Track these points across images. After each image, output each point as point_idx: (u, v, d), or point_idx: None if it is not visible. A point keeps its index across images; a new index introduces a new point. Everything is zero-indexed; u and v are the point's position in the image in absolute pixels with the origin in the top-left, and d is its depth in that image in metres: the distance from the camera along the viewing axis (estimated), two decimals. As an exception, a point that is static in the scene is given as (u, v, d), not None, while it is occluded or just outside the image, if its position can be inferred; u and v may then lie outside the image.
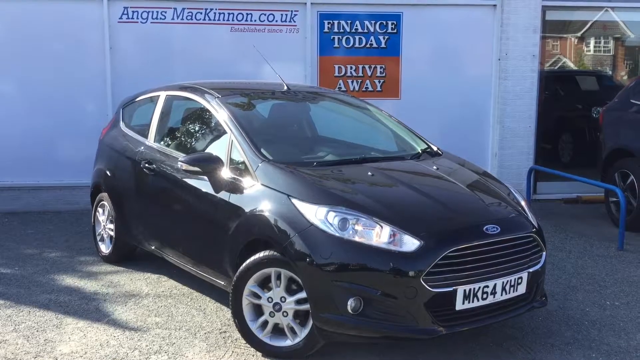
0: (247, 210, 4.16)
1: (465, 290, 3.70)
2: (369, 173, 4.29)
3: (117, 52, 8.10)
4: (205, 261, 4.61)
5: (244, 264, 4.04)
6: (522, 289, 3.97)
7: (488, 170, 8.93)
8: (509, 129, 8.85)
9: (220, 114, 4.74)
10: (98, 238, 6.12)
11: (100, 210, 6.04)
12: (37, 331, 4.42)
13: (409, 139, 5.21)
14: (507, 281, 3.86)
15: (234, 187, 4.31)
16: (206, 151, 4.73)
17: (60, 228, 7.31)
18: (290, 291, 3.92)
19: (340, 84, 8.60)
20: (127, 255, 5.89)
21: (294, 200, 3.93)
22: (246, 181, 4.27)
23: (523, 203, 4.40)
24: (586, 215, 8.09)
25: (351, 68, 8.62)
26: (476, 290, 3.74)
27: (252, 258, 4.01)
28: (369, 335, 3.69)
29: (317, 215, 3.80)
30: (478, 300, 3.76)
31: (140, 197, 5.37)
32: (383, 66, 8.66)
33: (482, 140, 8.97)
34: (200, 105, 5.01)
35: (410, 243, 3.67)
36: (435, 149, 5.09)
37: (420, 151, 4.95)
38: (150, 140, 5.41)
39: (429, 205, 3.99)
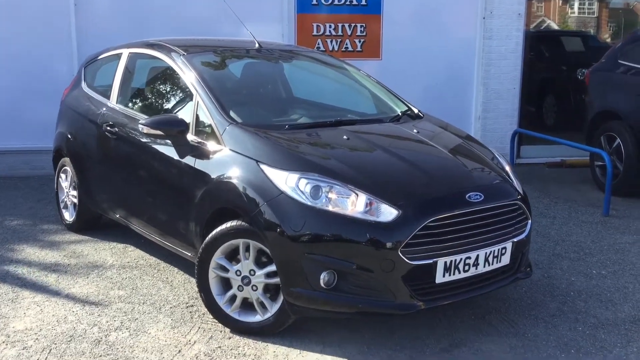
0: (213, 177, 3.86)
1: (446, 262, 3.46)
2: (345, 137, 4.00)
3: (83, 9, 7.65)
4: (171, 231, 4.32)
5: (210, 235, 3.76)
6: (505, 259, 3.74)
7: (471, 134, 8.72)
8: (493, 91, 8.58)
9: (186, 73, 4.40)
10: (61, 205, 5.80)
11: (62, 176, 5.71)
12: (-10, 306, 4.13)
13: (389, 100, 4.91)
14: (491, 252, 3.63)
15: (200, 152, 4.01)
16: (171, 113, 4.41)
17: (25, 194, 6.97)
18: (259, 264, 3.66)
19: (318, 43, 8.24)
20: (92, 223, 5.58)
21: (263, 166, 3.63)
22: (213, 146, 3.97)
23: (508, 168, 4.14)
24: (570, 179, 7.89)
25: (330, 27, 8.25)
26: (457, 262, 3.50)
27: (219, 228, 3.73)
28: (343, 310, 3.45)
29: (288, 182, 3.52)
30: (459, 272, 3.53)
31: (102, 162, 5.05)
32: (363, 25, 8.30)
33: (466, 102, 8.71)
34: (165, 63, 4.66)
35: (388, 213, 3.41)
36: (416, 111, 4.81)
37: (400, 113, 4.66)
38: (113, 102, 5.06)
39: (408, 171, 3.72)
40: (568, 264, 5.00)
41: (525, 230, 3.87)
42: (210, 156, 3.94)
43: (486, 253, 3.60)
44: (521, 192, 3.97)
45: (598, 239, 5.61)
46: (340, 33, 8.29)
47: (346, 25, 8.27)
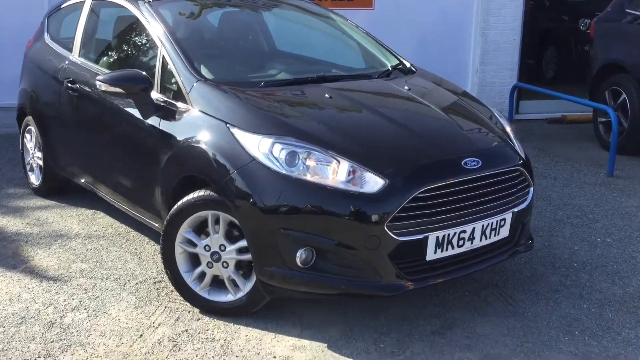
0: (179, 140, 3.45)
1: (438, 237, 3.08)
2: (327, 95, 3.57)
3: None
4: (137, 200, 3.93)
5: (176, 206, 3.37)
6: (505, 232, 3.36)
7: (468, 89, 8.26)
8: (492, 43, 8.10)
9: (151, 24, 3.93)
10: (27, 168, 5.39)
11: (27, 136, 5.28)
12: (-62, 283, 3.76)
13: (379, 53, 4.46)
14: (488, 224, 3.25)
15: (165, 113, 3.59)
16: (133, 68, 3.95)
17: (-7, 154, 6.54)
18: (231, 238, 3.28)
19: (306, -8, 7.69)
20: (60, 187, 5.17)
21: (234, 130, 3.22)
22: (179, 105, 3.54)
23: (508, 129, 3.73)
24: (572, 136, 7.49)
25: (318, -27, 7.68)
26: (451, 236, 3.12)
27: (185, 199, 3.34)
28: (323, 292, 3.09)
29: (260, 147, 3.11)
30: (453, 248, 3.15)
31: (65, 122, 4.62)
32: (354, -29, 7.75)
33: (463, 55, 8.23)
34: (130, 12, 4.18)
35: (373, 182, 3.01)
36: (408, 65, 4.36)
37: (390, 68, 4.21)
38: (75, 55, 4.60)
39: (397, 134, 3.31)
40: (570, 230, 4.64)
41: (527, 199, 3.49)
42: (176, 117, 3.52)
43: (483, 226, 3.23)
44: (523, 156, 3.57)
45: (602, 202, 5.24)
46: (329, -20, 7.73)
47: (336, -29, 7.72)
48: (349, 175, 3.03)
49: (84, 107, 4.32)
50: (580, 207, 5.13)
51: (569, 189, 5.56)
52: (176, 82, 3.60)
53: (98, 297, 3.60)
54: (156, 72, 3.72)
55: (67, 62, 4.61)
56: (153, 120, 3.63)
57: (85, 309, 3.48)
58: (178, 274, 3.41)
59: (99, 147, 4.26)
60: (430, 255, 3.09)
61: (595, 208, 5.10)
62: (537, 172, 5.99)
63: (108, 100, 3.99)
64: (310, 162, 3.06)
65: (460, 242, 3.17)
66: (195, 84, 3.49)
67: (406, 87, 3.84)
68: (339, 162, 3.05)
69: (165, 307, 3.49)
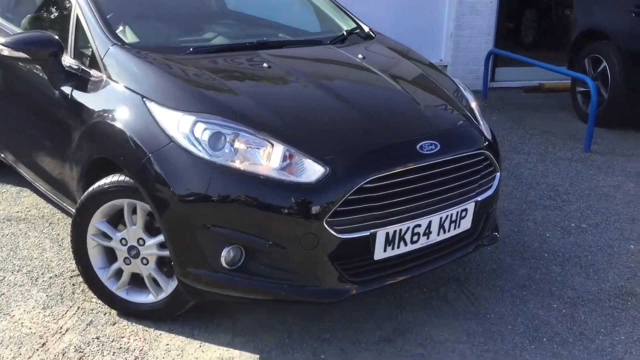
0: (90, 115, 2.96)
1: (387, 234, 2.65)
2: (265, 65, 3.08)
3: None
4: (52, 181, 3.45)
5: (86, 193, 2.89)
6: (466, 223, 2.95)
7: (442, 55, 7.79)
8: (468, 5, 7.58)
9: (66, -24, 3.40)
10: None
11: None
12: None
13: (334, 16, 3.96)
14: (447, 216, 2.82)
15: (78, 82, 3.09)
16: (49, 29, 3.42)
17: None
18: (151, 231, 2.83)
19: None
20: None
21: (151, 104, 2.73)
22: (93, 73, 3.04)
23: (474, 105, 3.29)
24: (549, 106, 7.07)
25: None
26: (403, 232, 2.69)
27: (97, 184, 2.86)
28: (254, 297, 2.65)
29: (180, 127, 2.63)
30: (406, 244, 2.73)
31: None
32: None
33: (436, 18, 7.72)
34: (44, -37, 3.64)
35: (311, 170, 2.56)
36: (366, 30, 3.87)
37: (345, 33, 3.72)
38: (-10, 14, 4.04)
39: (342, 113, 2.84)
40: (543, 214, 4.25)
41: (492, 186, 3.06)
42: (89, 87, 3.02)
43: (441, 218, 2.80)
44: (489, 137, 3.14)
45: (578, 181, 4.85)
46: None
47: None
48: (283, 160, 2.57)
49: (-3, 73, 3.79)
50: (554, 186, 4.73)
51: (543, 166, 5.16)
52: (90, 47, 3.08)
53: (3, 294, 3.14)
54: (70, 34, 3.21)
55: (-20, 22, 4.05)
56: (64, 91, 3.13)
57: (-15, 309, 3.02)
58: (91, 271, 2.96)
59: (14, 120, 3.75)
60: (379, 254, 2.67)
61: (570, 188, 4.71)
62: (510, 145, 5.59)
63: (18, 66, 3.46)
64: (239, 145, 2.59)
65: (415, 238, 2.75)
66: (110, 49, 2.99)
67: (360, 56, 3.36)
68: (272, 145, 2.59)
69: (79, 307, 3.05)
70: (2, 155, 4.12)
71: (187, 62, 3.00)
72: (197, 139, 2.59)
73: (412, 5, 7.54)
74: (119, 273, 2.94)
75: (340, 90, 2.98)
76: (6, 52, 3.14)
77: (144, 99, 2.75)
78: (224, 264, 2.58)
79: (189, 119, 2.63)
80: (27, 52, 3.10)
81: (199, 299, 2.76)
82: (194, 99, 2.73)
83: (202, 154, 2.57)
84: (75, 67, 3.13)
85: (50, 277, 3.30)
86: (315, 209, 2.51)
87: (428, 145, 2.75)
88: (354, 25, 3.86)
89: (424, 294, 3.24)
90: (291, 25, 4.00)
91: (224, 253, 2.56)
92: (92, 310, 3.02)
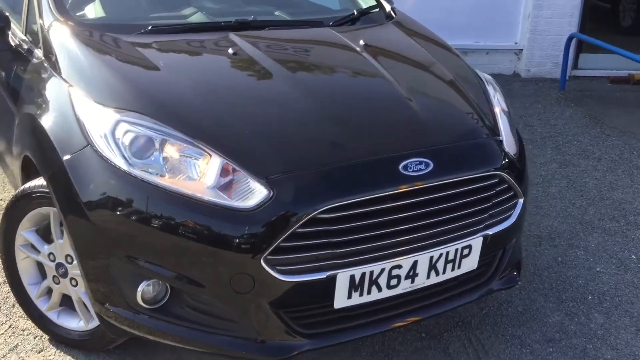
0: (23, 103, 2.51)
1: (353, 276, 2.05)
2: (230, 51, 2.51)
3: None
4: (7, 172, 3.04)
5: (12, 195, 2.46)
6: (470, 263, 2.30)
7: (517, 38, 6.94)
8: (548, -19, 6.69)
9: None
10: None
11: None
12: None
13: (353, -10, 3.32)
14: (442, 254, 2.19)
15: (22, 62, 2.65)
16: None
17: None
18: (81, 246, 2.35)
19: None
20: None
21: (75, 96, 2.24)
22: (35, 54, 2.59)
23: (497, 111, 2.58)
24: (636, 102, 6.11)
25: None
26: (376, 274, 2.09)
27: (21, 187, 2.42)
28: (178, 344, 2.13)
29: (101, 126, 2.12)
30: (380, 290, 2.13)
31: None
32: None
33: (512, -3, 6.88)
34: None
35: (252, 192, 1.99)
36: (387, 9, 3.21)
37: (355, 12, 3.07)
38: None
39: (308, 117, 2.23)
40: (599, 239, 3.49)
41: (512, 216, 2.39)
42: (28, 69, 2.58)
43: (432, 257, 2.17)
44: (513, 153, 2.44)
45: (654, 199, 4.02)
46: None
47: None
48: (219, 176, 2.01)
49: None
50: (621, 203, 3.93)
51: (613, 176, 4.34)
52: (37, 22, 2.62)
53: (-63, 301, 2.78)
54: (23, 5, 2.76)
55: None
56: (9, 72, 2.69)
57: None
58: (21, 286, 2.54)
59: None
60: (341, 301, 2.08)
61: (642, 207, 3.90)
62: (579, 148, 4.77)
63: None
64: (171, 152, 2.06)
65: (393, 282, 2.14)
66: (52, 24, 2.51)
67: (362, 42, 2.72)
68: (210, 156, 2.04)
69: (11, 325, 2.64)
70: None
71: (134, 44, 2.48)
72: (117, 143, 2.07)
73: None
74: (50, 292, 2.50)
75: (315, 88, 2.38)
76: (-55, 26, 2.72)
77: (70, 89, 2.26)
78: (141, 302, 2.07)
79: (111, 117, 2.11)
80: (-35, 25, 2.67)
81: (125, 337, 2.27)
82: (123, 92, 2.21)
83: (121, 163, 2.05)
84: (24, 45, 2.69)
85: (-4, 284, 2.91)
86: (250, 243, 1.94)
87: (416, 164, 2.12)
88: (372, 3, 3.21)
89: (420, 341, 2.62)
90: (307, 1, 3.41)
91: (141, 288, 2.05)
92: (24, 331, 2.60)
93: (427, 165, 2.13)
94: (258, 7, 3.23)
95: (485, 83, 2.75)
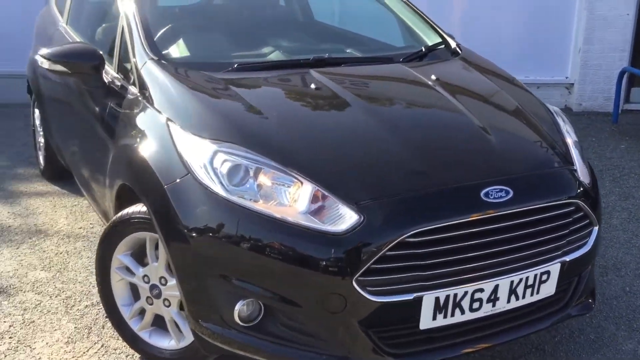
0: (121, 135, 2.69)
1: (438, 299, 2.15)
2: (313, 86, 2.67)
3: None
4: (95, 199, 3.24)
5: (110, 221, 2.63)
6: (548, 289, 2.38)
7: (568, 72, 7.01)
8: (600, 17, 6.76)
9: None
10: (37, 146, 4.87)
11: (36, 111, 4.74)
12: None
13: (418, 29, 3.47)
14: (522, 279, 2.28)
15: (116, 98, 2.85)
16: (101, 39, 3.23)
17: (25, 127, 6.07)
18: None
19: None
20: (63, 171, 4.58)
21: (173, 128, 2.42)
22: (130, 90, 2.79)
23: (570, 142, 2.67)
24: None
25: None
26: (459, 297, 2.18)
27: (120, 213, 2.59)
28: (271, 361, 2.24)
29: (199, 156, 2.28)
30: (463, 312, 2.21)
31: (52, 97, 4.02)
32: None
33: (563, 31, 6.95)
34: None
35: (343, 217, 2.12)
36: (453, 45, 3.36)
37: (423, 49, 3.22)
38: (64, 21, 3.95)
39: (391, 147, 2.36)
40: (667, 270, 3.50)
41: (587, 243, 2.46)
42: (124, 105, 2.77)
43: (513, 282, 2.26)
44: (587, 182, 2.53)
45: None
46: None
47: None
48: (311, 203, 2.14)
49: (59, 83, 3.67)
50: (686, 235, 3.93)
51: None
52: (131, 61, 2.83)
53: (33, 322, 2.95)
54: (116, 47, 2.98)
55: (56, 29, 3.97)
56: (103, 107, 2.90)
57: (10, 337, 2.84)
58: (114, 307, 2.69)
59: (67, 128, 3.64)
60: (427, 322, 2.18)
61: None
62: (639, 180, 4.77)
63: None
64: (264, 180, 2.20)
65: (475, 305, 2.22)
66: (146, 63, 2.71)
67: (433, 77, 2.85)
68: (301, 183, 2.17)
69: (103, 345, 2.79)
70: (63, 162, 4.04)
71: (225, 80, 2.66)
72: (215, 172, 2.23)
73: (535, 17, 6.84)
74: (142, 312, 2.65)
75: (395, 120, 2.51)
76: (46, 64, 2.95)
77: (168, 122, 2.44)
78: (238, 320, 2.19)
79: (209, 147, 2.27)
80: (66, 65, 2.90)
81: (217, 354, 2.40)
82: (218, 124, 2.38)
83: (219, 189, 2.20)
84: (117, 82, 2.90)
85: (86, 306, 3.08)
86: (343, 265, 2.06)
87: (497, 192, 2.22)
88: (437, 39, 3.36)
89: (491, 368, 2.68)
90: (373, 39, 3.58)
91: (238, 307, 2.18)
92: (116, 350, 2.75)
93: (507, 192, 2.23)
94: (329, 45, 3.41)
95: (555, 115, 2.85)
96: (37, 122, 4.71)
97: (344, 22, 3.91)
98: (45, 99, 4.18)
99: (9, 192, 4.51)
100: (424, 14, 3.63)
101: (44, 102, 4.23)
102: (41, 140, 4.64)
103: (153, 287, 2.55)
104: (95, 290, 3.18)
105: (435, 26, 3.51)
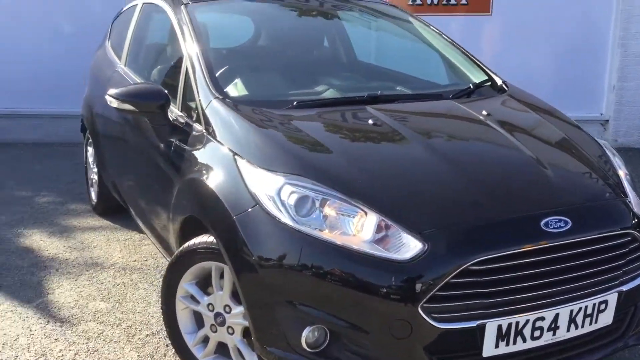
0: (187, 170, 2.83)
1: (500, 326, 2.21)
2: (370, 121, 2.79)
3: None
4: (156, 233, 3.38)
5: (177, 252, 2.75)
6: (606, 318, 2.42)
7: (602, 109, 7.08)
8: (634, 54, 6.87)
9: (182, 27, 3.37)
10: (89, 183, 5.06)
11: (89, 149, 4.94)
12: (-57, 314, 3.40)
13: (463, 67, 3.60)
14: (580, 308, 2.33)
15: (181, 135, 2.99)
16: (163, 80, 3.40)
17: (74, 164, 6.30)
18: (238, 298, 2.59)
19: (412, -5, 6.91)
20: (115, 206, 4.75)
21: (240, 163, 2.54)
22: (195, 127, 2.93)
23: (622, 175, 2.75)
24: None
25: (428, -26, 6.88)
26: (521, 325, 2.24)
27: (187, 244, 2.70)
28: (334, 384, 2.31)
29: (267, 188, 2.40)
30: (525, 340, 2.27)
31: (109, 135, 4.20)
32: (470, -28, 6.85)
33: (597, 68, 7.06)
34: (166, 15, 3.64)
35: (408, 245, 2.21)
36: (499, 82, 3.47)
37: (471, 86, 3.34)
38: (122, 63, 4.15)
39: (450, 179, 2.46)
40: None
41: (644, 273, 2.50)
42: (189, 141, 2.91)
43: (572, 311, 2.32)
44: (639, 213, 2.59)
45: None
46: (439, -18, 6.90)
47: (448, -28, 6.86)
48: (377, 232, 2.24)
49: (119, 119, 3.85)
50: None
51: None
52: (195, 100, 2.99)
53: (97, 350, 3.06)
54: (179, 86, 3.14)
55: (114, 71, 4.18)
56: (168, 144, 3.05)
57: (76, 365, 2.95)
58: (179, 335, 2.79)
59: (126, 164, 3.80)
60: (490, 350, 2.24)
61: None
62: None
63: (132, 116, 3.47)
64: (329, 211, 2.30)
65: (536, 333, 2.28)
66: (212, 102, 2.87)
67: (484, 112, 2.96)
68: (365, 213, 2.27)
69: (166, 372, 2.88)
70: (117, 196, 4.19)
71: (286, 117, 2.79)
72: (283, 203, 2.34)
73: (569, 54, 6.96)
74: (206, 340, 2.74)
75: (452, 153, 2.61)
76: (115, 104, 3.12)
77: (235, 156, 2.57)
78: (305, 346, 2.28)
79: (277, 180, 2.39)
80: (135, 104, 3.06)
81: (281, 380, 2.47)
82: (285, 158, 2.50)
83: (287, 220, 2.31)
84: (181, 120, 3.05)
85: (147, 335, 3.18)
86: (409, 292, 2.14)
87: (556, 222, 2.30)
88: (483, 77, 3.47)
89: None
90: (417, 77, 3.70)
91: (305, 333, 2.26)
92: (178, 377, 2.84)
93: (566, 223, 2.31)
94: (377, 82, 3.54)
95: (604, 148, 2.93)
96: (90, 159, 4.90)
97: (384, 60, 4.04)
98: (101, 137, 4.37)
99: (64, 227, 4.68)
100: (468, 52, 3.76)
101: (99, 140, 4.41)
102: (94, 176, 4.83)
103: (217, 315, 2.64)
104: (155, 320, 3.31)
105: (480, 64, 3.62)
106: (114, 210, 4.77)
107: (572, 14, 6.88)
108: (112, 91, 3.11)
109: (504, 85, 3.44)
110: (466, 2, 6.91)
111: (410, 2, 6.86)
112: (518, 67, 6.69)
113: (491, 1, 6.89)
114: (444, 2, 6.91)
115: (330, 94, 3.16)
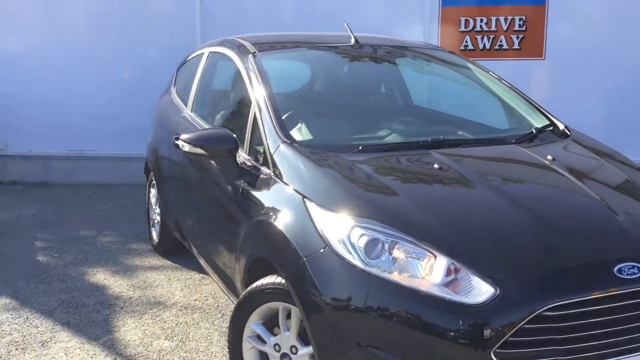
0: (256, 212, 2.90)
1: (573, 374, 2.19)
2: (436, 166, 2.83)
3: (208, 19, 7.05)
4: (221, 273, 3.45)
5: (245, 292, 2.81)
6: (682, 368, 2.36)
7: (663, 160, 6.95)
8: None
9: (250, 76, 3.49)
10: (151, 223, 5.20)
11: (152, 191, 5.09)
12: (15, 349, 3.52)
13: (523, 112, 3.62)
14: (654, 357, 2.28)
15: (249, 178, 3.08)
16: (230, 125, 3.52)
17: (138, 205, 6.46)
18: (305, 339, 2.63)
19: (466, 41, 6.97)
20: (176, 246, 4.87)
21: (310, 205, 2.61)
22: (263, 171, 3.02)
23: (694, 221, 2.71)
24: None
25: (482, 21, 6.94)
26: (596, 373, 2.21)
27: (254, 285, 2.77)
28: None
29: (337, 231, 2.45)
30: (599, 390, 2.23)
31: (174, 179, 4.34)
32: (523, 18, 6.88)
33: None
34: (234, 64, 3.79)
35: (479, 289, 2.22)
36: (561, 127, 3.48)
37: (534, 131, 3.36)
38: (188, 110, 4.31)
39: (520, 223, 2.47)
40: None
41: None
42: (257, 184, 2.99)
43: (646, 359, 2.27)
44: None
45: None
46: (494, 28, 6.94)
47: (501, 18, 6.91)
48: (446, 275, 2.26)
49: (185, 162, 3.98)
50: None
51: None
52: (263, 144, 3.08)
53: (162, 388, 3.12)
54: (247, 131, 3.25)
55: (181, 117, 4.33)
56: (236, 187, 3.14)
57: (144, 402, 3.00)
58: (245, 374, 2.82)
59: (194, 210, 3.89)
60: (563, 397, 2.20)
61: None
62: None
63: (198, 159, 3.58)
64: (398, 254, 2.34)
65: (612, 383, 2.24)
66: (280, 146, 2.95)
67: (549, 157, 2.97)
68: (435, 256, 2.30)
69: (230, 413, 2.91)
70: (178, 236, 4.28)
71: (354, 161, 2.86)
72: (353, 246, 2.38)
73: (627, 102, 6.86)
74: (272, 380, 2.78)
75: (520, 197, 2.62)
76: (186, 147, 3.23)
77: (304, 199, 2.64)
78: (374, 388, 2.29)
79: (347, 223, 2.44)
80: (205, 149, 3.17)
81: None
82: (354, 201, 2.55)
83: (357, 262, 2.35)
84: (249, 163, 3.14)
85: (210, 374, 3.23)
86: (482, 337, 2.15)
87: (629, 269, 2.28)
88: (544, 122, 3.48)
89: None
90: (477, 122, 3.74)
91: (375, 377, 2.28)
92: (242, 418, 2.87)
93: (639, 269, 2.28)
94: (438, 127, 3.59)
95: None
96: (153, 200, 5.04)
97: (439, 105, 4.09)
98: (165, 179, 4.51)
99: (126, 266, 4.80)
100: (528, 97, 3.78)
101: (164, 182, 4.55)
102: (156, 217, 4.96)
103: (284, 355, 2.68)
104: (218, 358, 3.35)
105: (540, 108, 3.64)
106: (174, 250, 4.88)
107: (629, 59, 6.81)
108: (184, 136, 3.23)
109: (566, 130, 3.45)
110: (519, 47, 6.94)
111: (462, 48, 6.93)
112: (573, 111, 6.64)
113: (544, 47, 6.90)
114: (497, 47, 6.96)
115: (393, 138, 3.22)
